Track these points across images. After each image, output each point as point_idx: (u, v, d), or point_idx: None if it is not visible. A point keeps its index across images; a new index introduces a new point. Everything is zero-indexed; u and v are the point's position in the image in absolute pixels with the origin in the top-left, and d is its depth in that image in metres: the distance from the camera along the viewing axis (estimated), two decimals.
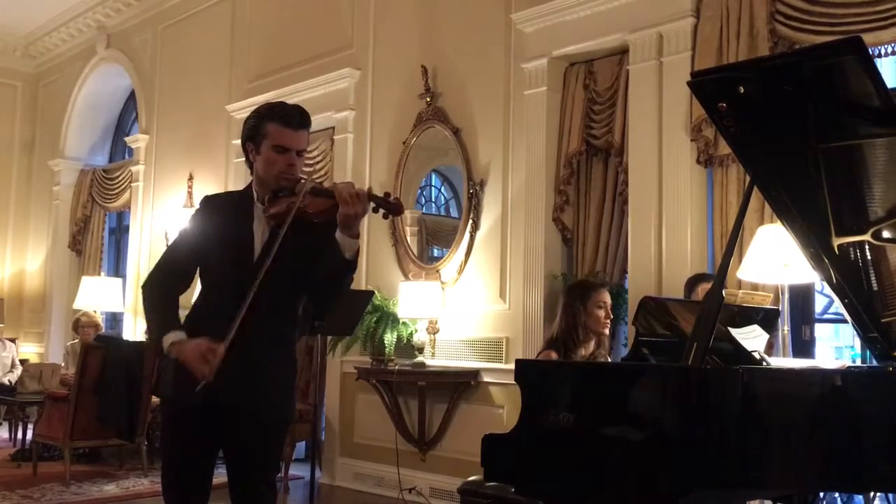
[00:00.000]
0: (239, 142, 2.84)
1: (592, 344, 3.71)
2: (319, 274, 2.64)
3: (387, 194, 2.60)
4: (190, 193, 7.97)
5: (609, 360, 3.94)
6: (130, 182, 8.97)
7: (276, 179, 2.65)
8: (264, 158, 2.65)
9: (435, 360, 5.61)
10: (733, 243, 2.55)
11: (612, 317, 3.79)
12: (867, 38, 3.76)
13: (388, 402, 5.78)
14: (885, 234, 2.49)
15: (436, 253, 6.18)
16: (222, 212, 2.75)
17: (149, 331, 2.87)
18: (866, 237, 2.52)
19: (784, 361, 3.69)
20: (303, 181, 2.62)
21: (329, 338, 5.81)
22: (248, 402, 2.64)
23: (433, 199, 6.57)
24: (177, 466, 2.73)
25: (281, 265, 2.60)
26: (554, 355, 3.53)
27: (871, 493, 3.63)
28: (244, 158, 2.76)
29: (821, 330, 4.91)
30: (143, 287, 2.79)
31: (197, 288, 2.81)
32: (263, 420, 2.68)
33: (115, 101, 10.04)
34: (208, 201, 2.84)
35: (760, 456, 2.19)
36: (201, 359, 2.48)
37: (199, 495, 2.72)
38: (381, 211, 2.57)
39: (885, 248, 2.53)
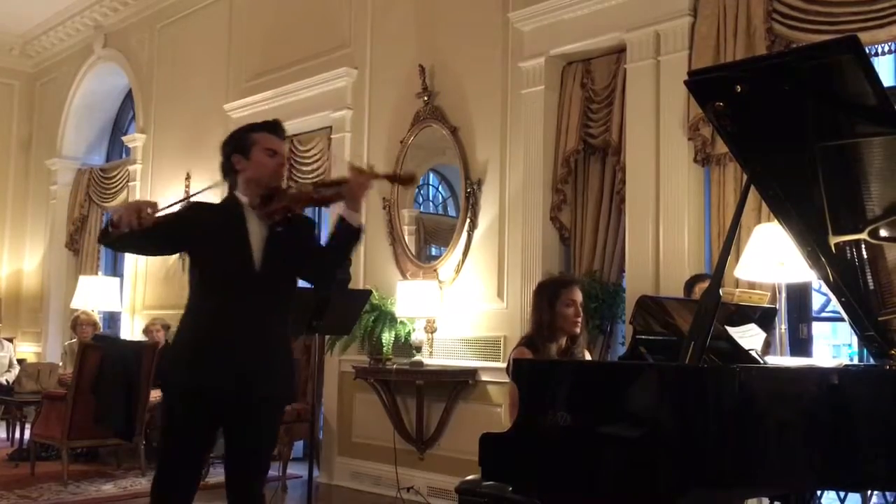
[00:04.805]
0: None
1: (564, 340, 3.63)
2: (326, 247, 2.84)
3: (395, 172, 2.93)
4: (187, 193, 7.95)
5: (588, 355, 3.90)
6: (128, 181, 8.95)
7: (270, 179, 2.81)
8: (256, 162, 2.80)
9: (433, 359, 5.62)
10: (730, 242, 2.56)
11: (581, 315, 3.65)
12: (864, 37, 3.76)
13: (386, 401, 5.78)
14: (882, 232, 2.49)
15: (433, 252, 6.18)
16: (213, 216, 2.85)
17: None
18: (863, 236, 2.53)
19: (781, 360, 3.69)
20: (290, 186, 2.86)
21: (327, 337, 5.80)
22: (261, 389, 2.78)
23: (431, 198, 6.58)
24: (177, 454, 2.81)
25: (281, 263, 2.78)
26: (527, 352, 3.53)
27: (868, 492, 3.63)
28: (222, 175, 2.90)
29: (818, 328, 4.92)
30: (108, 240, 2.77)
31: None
32: (274, 402, 2.88)
33: (113, 101, 10.01)
34: (199, 205, 2.99)
35: (758, 455, 2.19)
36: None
37: (190, 489, 2.83)
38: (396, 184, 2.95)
39: (881, 246, 2.54)
